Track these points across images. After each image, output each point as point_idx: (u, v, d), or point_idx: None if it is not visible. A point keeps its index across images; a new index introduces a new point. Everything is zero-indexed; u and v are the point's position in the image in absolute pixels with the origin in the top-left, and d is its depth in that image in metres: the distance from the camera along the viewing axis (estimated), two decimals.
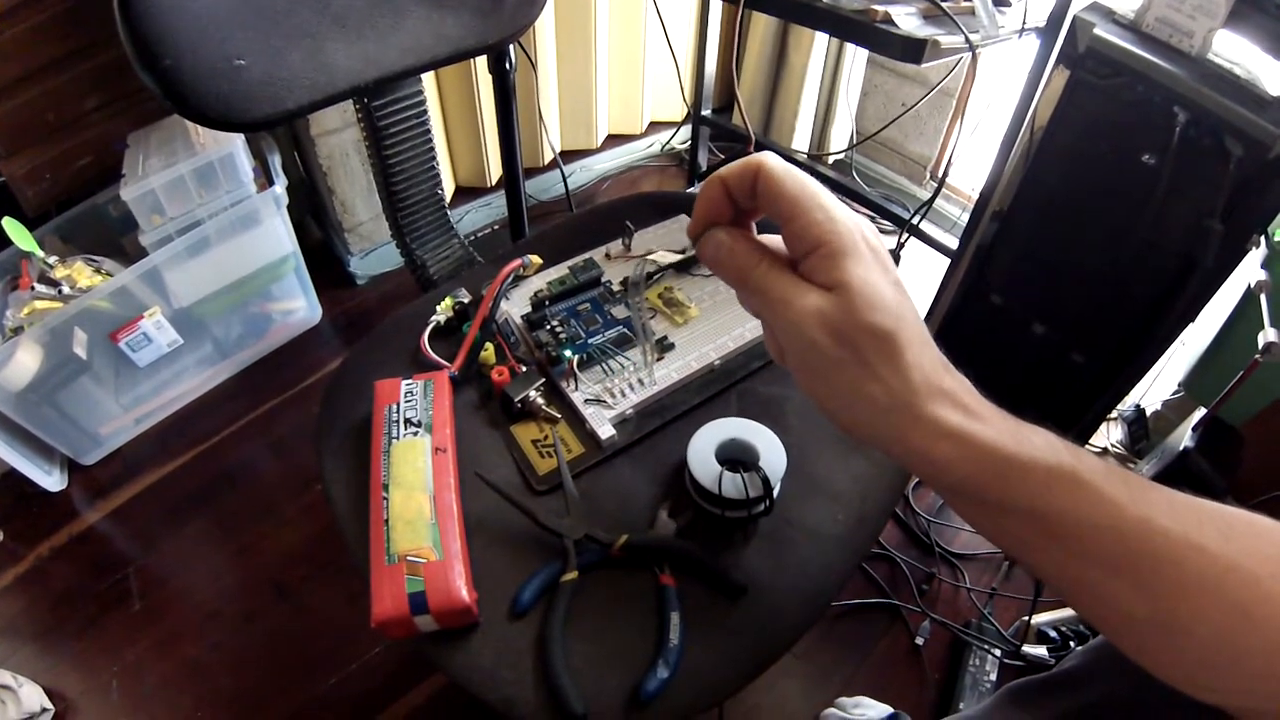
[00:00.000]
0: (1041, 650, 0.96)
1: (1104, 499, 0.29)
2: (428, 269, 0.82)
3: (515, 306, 0.67)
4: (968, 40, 0.92)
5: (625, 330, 0.65)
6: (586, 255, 0.72)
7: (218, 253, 1.21)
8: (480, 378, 0.62)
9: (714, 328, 0.67)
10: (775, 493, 0.53)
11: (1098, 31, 0.84)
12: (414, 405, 0.55)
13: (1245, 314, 0.98)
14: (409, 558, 0.46)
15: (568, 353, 0.61)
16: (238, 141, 1.18)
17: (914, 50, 0.91)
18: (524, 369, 0.61)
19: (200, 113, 0.56)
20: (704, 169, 1.73)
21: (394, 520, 0.48)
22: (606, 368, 0.62)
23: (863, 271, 0.29)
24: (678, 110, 1.87)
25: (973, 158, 1.60)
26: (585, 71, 1.64)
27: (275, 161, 1.28)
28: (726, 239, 0.33)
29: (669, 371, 0.63)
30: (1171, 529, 0.28)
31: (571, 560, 0.49)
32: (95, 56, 1.12)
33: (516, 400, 0.58)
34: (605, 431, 0.58)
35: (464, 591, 0.46)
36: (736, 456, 0.55)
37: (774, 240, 0.33)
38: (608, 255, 0.73)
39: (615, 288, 0.69)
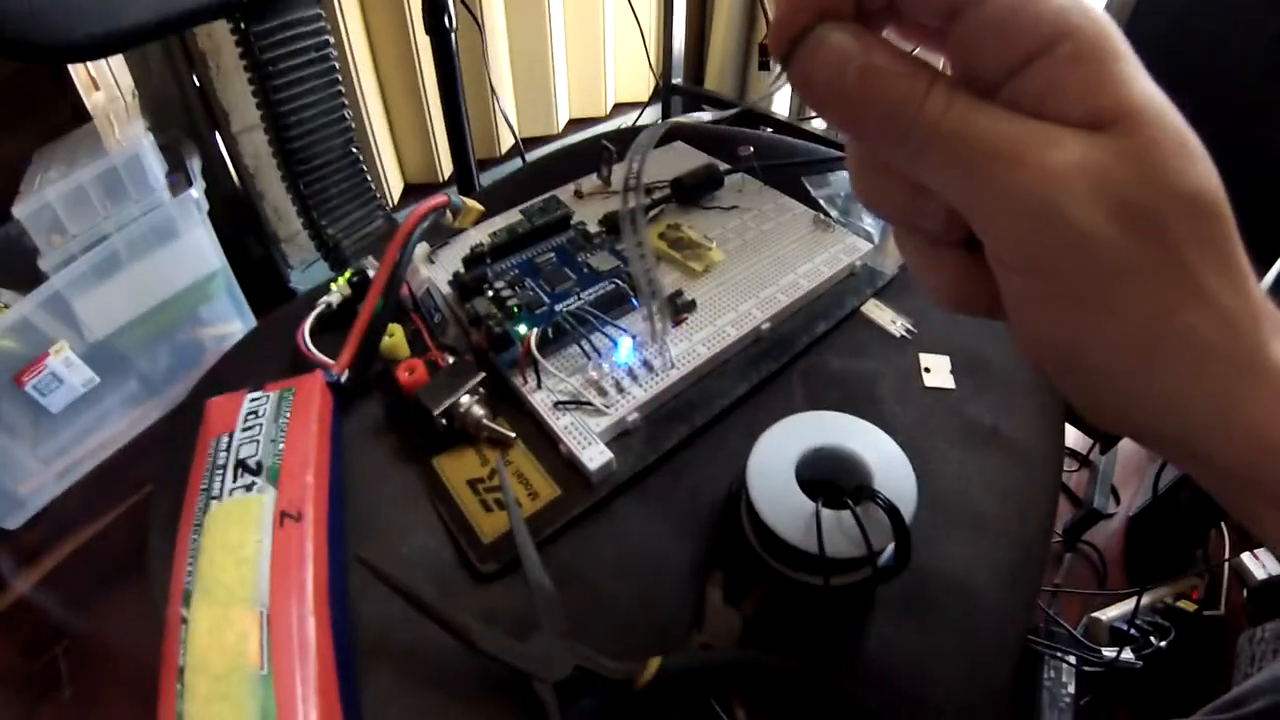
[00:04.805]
0: (1127, 654, 0.75)
1: None
2: (342, 250, 0.58)
3: (442, 271, 0.43)
4: None
5: (616, 284, 0.40)
6: (547, 195, 0.49)
7: (132, 273, 1.03)
8: (386, 381, 0.39)
9: (752, 274, 0.43)
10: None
11: None
12: (254, 436, 0.31)
13: None
14: None
15: (522, 327, 0.37)
16: (144, 143, 1.01)
17: None
18: (451, 360, 0.37)
19: None
20: None
21: (191, 673, 0.25)
22: (589, 346, 0.38)
23: (1152, 87, 0.15)
24: (644, 90, 1.70)
25: None
26: (540, 44, 1.46)
27: (195, 165, 1.10)
28: (856, 46, 0.16)
29: (692, 345, 0.39)
30: None
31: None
32: None
33: (438, 413, 0.34)
34: (594, 456, 0.34)
35: None
36: (831, 478, 0.30)
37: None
38: (578, 194, 0.50)
39: (593, 229, 0.45)
